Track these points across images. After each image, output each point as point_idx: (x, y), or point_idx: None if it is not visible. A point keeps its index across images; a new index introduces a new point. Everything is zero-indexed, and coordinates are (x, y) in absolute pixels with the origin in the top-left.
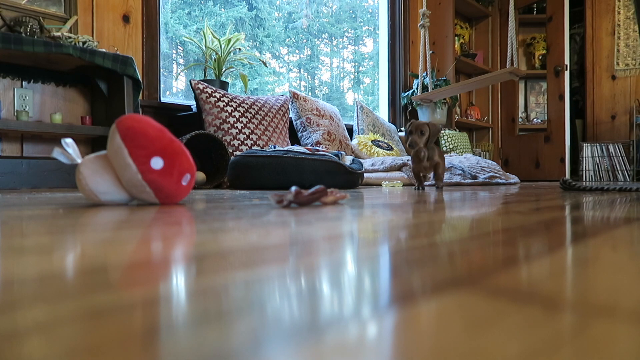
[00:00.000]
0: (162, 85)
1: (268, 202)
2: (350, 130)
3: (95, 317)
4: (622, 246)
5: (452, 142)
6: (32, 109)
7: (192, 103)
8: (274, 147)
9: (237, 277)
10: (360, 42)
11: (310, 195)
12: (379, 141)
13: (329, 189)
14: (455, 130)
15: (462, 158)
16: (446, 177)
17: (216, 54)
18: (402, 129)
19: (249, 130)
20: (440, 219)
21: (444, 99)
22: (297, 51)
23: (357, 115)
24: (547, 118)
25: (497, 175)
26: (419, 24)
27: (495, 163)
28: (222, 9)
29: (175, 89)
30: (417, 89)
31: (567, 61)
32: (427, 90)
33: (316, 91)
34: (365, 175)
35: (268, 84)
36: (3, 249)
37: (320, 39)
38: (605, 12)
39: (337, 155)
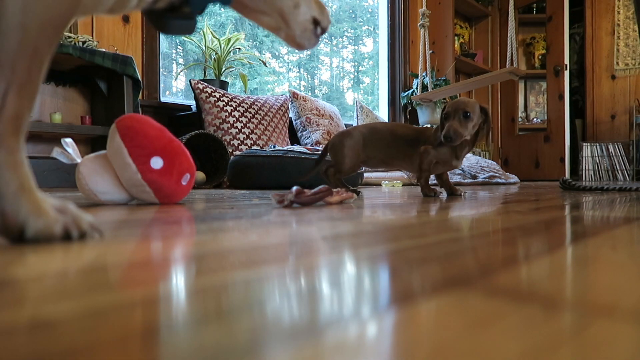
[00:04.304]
0: (161, 85)
1: (268, 202)
2: None
3: (95, 317)
4: (622, 246)
5: None
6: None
7: (192, 103)
8: (274, 147)
9: (237, 276)
10: (360, 41)
11: (313, 195)
12: None
13: (335, 188)
14: None
15: None
16: None
17: (216, 53)
18: None
19: (249, 130)
20: (440, 219)
21: (444, 99)
22: (296, 51)
23: (357, 115)
24: (547, 118)
25: (497, 175)
26: (418, 24)
27: (494, 163)
28: (222, 9)
29: (175, 88)
30: (416, 88)
31: (566, 61)
32: (427, 90)
33: (316, 91)
34: (365, 174)
35: (268, 83)
36: (2, 248)
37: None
38: (605, 12)
39: None
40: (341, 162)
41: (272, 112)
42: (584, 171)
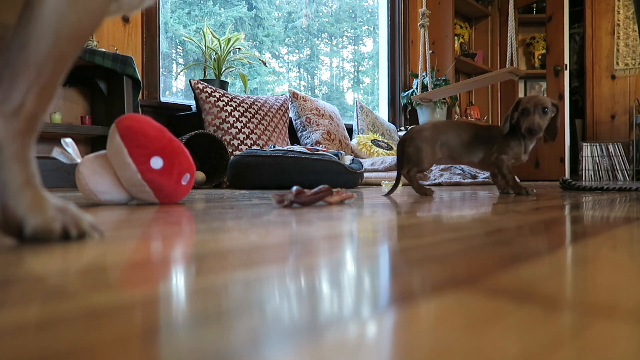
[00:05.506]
0: (161, 85)
1: (268, 202)
2: (349, 129)
3: (94, 317)
4: (622, 246)
5: None
6: None
7: (192, 103)
8: (274, 147)
9: (237, 276)
10: (360, 41)
11: (313, 195)
12: (378, 141)
13: (335, 188)
14: None
15: None
16: (445, 176)
17: (216, 53)
18: (402, 128)
19: (249, 130)
20: (441, 219)
21: (444, 99)
22: (296, 51)
23: (357, 114)
24: None
25: None
26: (418, 24)
27: None
28: (222, 9)
29: (175, 88)
30: (416, 88)
31: (566, 61)
32: (427, 90)
33: (316, 91)
34: (365, 174)
35: (268, 83)
36: (2, 248)
37: (319, 39)
38: (605, 12)
39: (336, 154)
40: (420, 158)
41: (272, 112)
42: (583, 171)
